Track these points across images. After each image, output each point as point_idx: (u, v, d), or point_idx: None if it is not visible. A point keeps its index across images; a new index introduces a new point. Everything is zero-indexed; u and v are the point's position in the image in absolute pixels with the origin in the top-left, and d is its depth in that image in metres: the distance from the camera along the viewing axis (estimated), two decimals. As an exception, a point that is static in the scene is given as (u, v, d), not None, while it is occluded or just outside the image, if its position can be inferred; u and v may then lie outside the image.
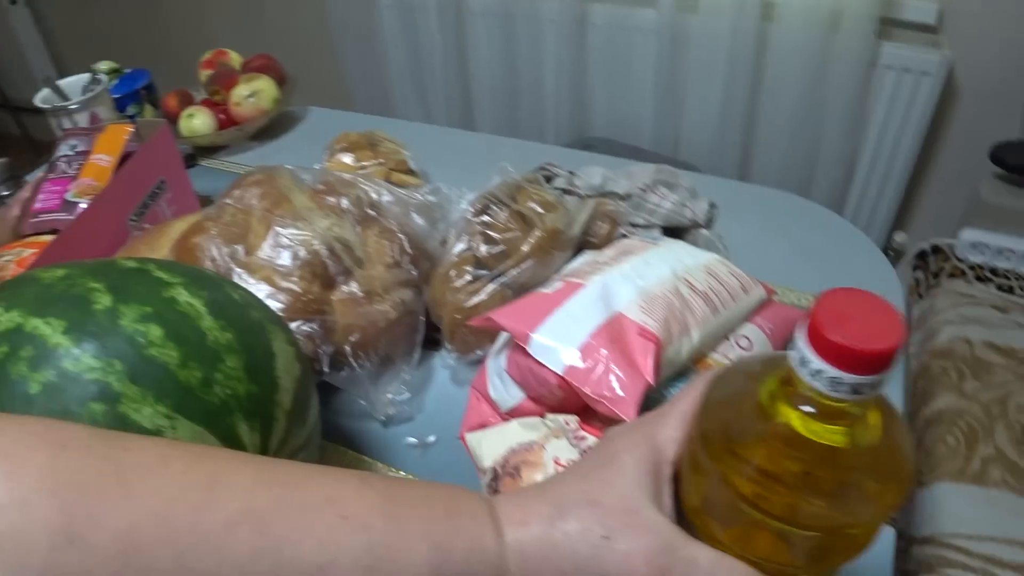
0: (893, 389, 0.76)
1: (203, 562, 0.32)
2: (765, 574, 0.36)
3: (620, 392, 0.60)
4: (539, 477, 0.62)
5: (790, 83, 1.43)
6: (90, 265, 0.55)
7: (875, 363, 0.30)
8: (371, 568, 0.34)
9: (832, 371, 0.31)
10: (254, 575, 0.32)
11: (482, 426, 0.71)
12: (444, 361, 0.77)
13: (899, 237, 1.93)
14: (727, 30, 1.43)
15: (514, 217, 0.80)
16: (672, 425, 0.39)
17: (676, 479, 0.40)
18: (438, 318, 0.78)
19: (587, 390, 0.61)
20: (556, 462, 0.62)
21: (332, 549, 0.33)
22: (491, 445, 0.66)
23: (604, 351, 0.62)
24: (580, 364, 0.62)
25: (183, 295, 0.53)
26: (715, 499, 0.37)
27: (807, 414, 0.33)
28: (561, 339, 0.63)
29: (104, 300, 0.50)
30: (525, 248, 0.76)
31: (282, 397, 0.54)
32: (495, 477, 0.64)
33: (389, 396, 0.72)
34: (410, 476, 0.70)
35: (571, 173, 0.98)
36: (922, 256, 1.64)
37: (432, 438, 0.72)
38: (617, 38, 1.56)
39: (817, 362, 0.31)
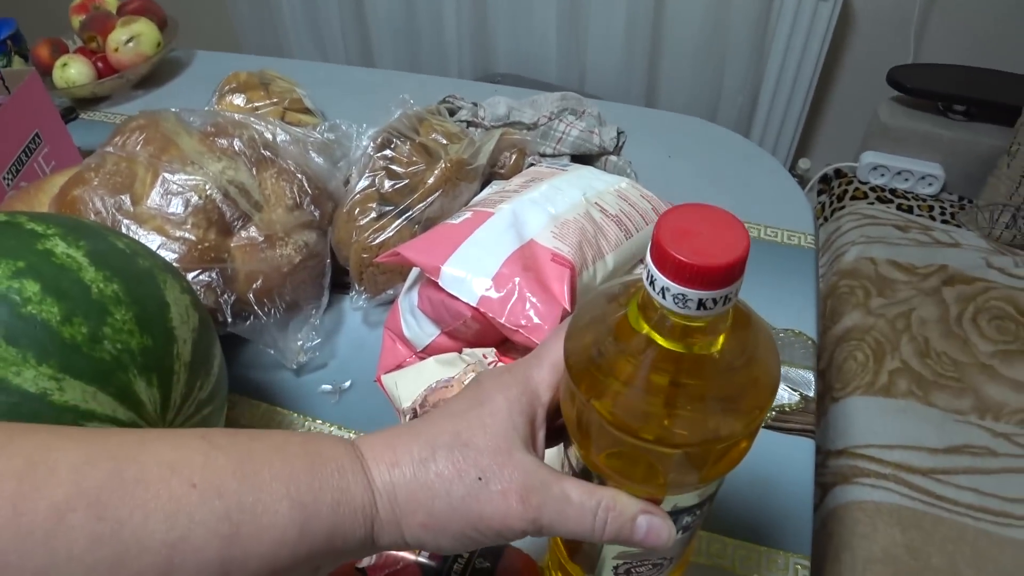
0: (805, 309, 0.77)
1: (31, 560, 0.28)
2: (642, 497, 0.37)
3: (536, 320, 0.59)
4: (459, 412, 0.61)
5: (693, 8, 1.42)
6: None
7: (718, 278, 0.29)
8: (230, 537, 0.31)
9: (676, 288, 0.30)
10: (95, 564, 0.28)
11: (399, 367, 0.69)
12: (354, 304, 0.74)
13: (803, 164, 1.98)
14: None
15: (417, 150, 0.77)
16: (546, 368, 0.38)
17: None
18: (345, 259, 0.75)
19: (502, 320, 0.59)
20: (475, 396, 0.61)
21: (183, 522, 0.30)
22: (408, 385, 0.64)
23: (517, 279, 0.60)
24: (493, 294, 0.60)
25: (60, 246, 0.49)
26: (588, 425, 0.36)
27: (661, 332, 0.32)
28: (472, 269, 0.61)
29: None
30: (431, 180, 0.73)
31: (180, 348, 0.51)
32: (414, 416, 0.62)
33: (299, 343, 0.69)
34: (327, 425, 0.68)
35: (475, 105, 0.95)
36: (826, 180, 1.69)
37: (347, 384, 0.70)
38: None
39: (662, 280, 0.30)
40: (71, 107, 1.14)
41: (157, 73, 1.20)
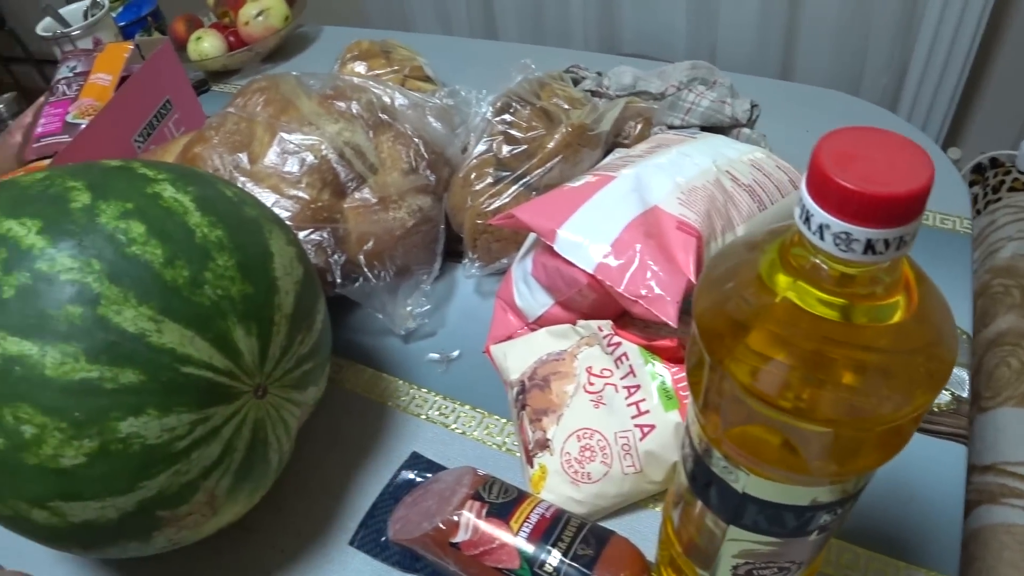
0: (959, 300, 0.69)
1: None
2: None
3: (658, 290, 0.54)
4: (570, 388, 0.57)
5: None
6: (72, 166, 0.50)
7: (894, 212, 0.24)
8: None
9: (839, 225, 0.24)
10: None
11: (509, 338, 0.66)
12: (467, 272, 0.71)
13: (953, 154, 1.82)
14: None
15: (537, 115, 0.73)
16: None
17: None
18: (459, 226, 0.72)
19: (620, 289, 0.55)
20: (589, 371, 0.57)
21: None
22: (518, 357, 0.61)
23: (639, 246, 0.56)
24: (612, 261, 0.56)
25: (168, 190, 0.48)
26: (718, 396, 0.31)
27: (814, 283, 0.27)
28: (590, 234, 0.57)
29: (82, 198, 0.46)
30: (551, 145, 0.70)
31: (282, 300, 0.49)
32: (522, 390, 0.59)
33: (408, 309, 0.67)
34: (432, 394, 0.65)
35: (599, 74, 0.91)
36: (979, 170, 1.54)
37: (456, 353, 0.67)
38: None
39: (821, 215, 0.25)
40: (203, 79, 1.17)
41: (285, 47, 1.22)
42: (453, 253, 0.74)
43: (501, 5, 1.62)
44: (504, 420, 0.62)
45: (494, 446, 0.61)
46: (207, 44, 1.12)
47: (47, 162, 0.83)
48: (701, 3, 1.45)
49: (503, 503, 0.50)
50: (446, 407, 0.64)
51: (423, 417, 0.63)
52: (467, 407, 0.63)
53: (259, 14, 1.12)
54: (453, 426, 0.62)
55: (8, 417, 0.41)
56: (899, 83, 1.47)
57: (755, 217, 0.63)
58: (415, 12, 1.71)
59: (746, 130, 0.84)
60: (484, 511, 0.50)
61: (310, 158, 0.68)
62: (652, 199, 0.60)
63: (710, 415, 0.33)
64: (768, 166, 0.68)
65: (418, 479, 0.58)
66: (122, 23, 1.17)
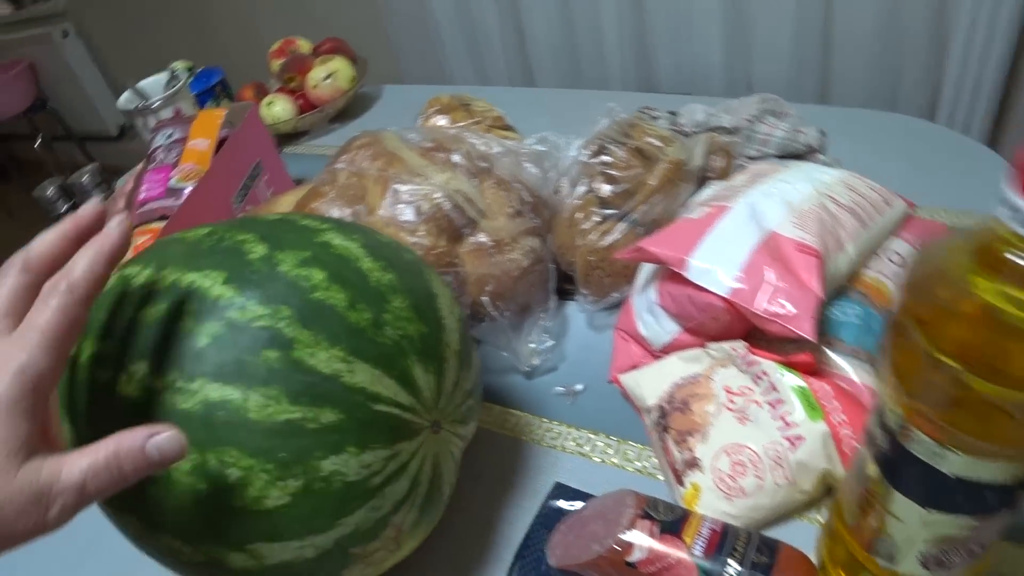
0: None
1: None
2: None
3: (792, 308, 0.57)
4: (711, 408, 0.59)
5: (867, 8, 1.36)
6: (231, 222, 0.53)
7: None
8: None
9: None
10: None
11: (633, 367, 0.68)
12: (578, 308, 0.74)
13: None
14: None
15: (633, 154, 0.77)
16: (44, 355, 0.37)
17: None
18: (568, 264, 0.75)
19: (756, 309, 0.58)
20: (727, 391, 0.59)
21: None
22: (651, 383, 0.63)
23: (768, 269, 0.59)
24: (744, 285, 0.59)
25: (336, 239, 0.51)
26: (929, 378, 0.34)
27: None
28: (719, 261, 0.60)
29: (258, 249, 0.48)
30: (652, 182, 0.73)
31: (450, 337, 0.52)
32: (663, 414, 0.61)
33: (532, 346, 0.69)
34: (564, 426, 0.67)
35: (672, 113, 0.94)
36: None
37: (580, 386, 0.69)
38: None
39: None
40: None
41: (349, 108, 1.26)
42: (560, 291, 0.77)
43: (537, 53, 1.67)
44: (640, 445, 0.64)
45: (634, 471, 0.63)
46: (279, 108, 1.17)
47: (156, 225, 0.86)
48: (735, 34, 1.50)
49: (672, 520, 0.52)
50: (580, 437, 0.66)
51: (560, 448, 0.65)
52: (601, 435, 0.65)
53: (327, 77, 1.17)
54: (592, 455, 0.64)
55: (213, 461, 0.42)
56: (935, 93, 1.50)
57: (861, 235, 0.66)
58: (453, 67, 1.77)
59: (821, 155, 0.88)
60: (656, 529, 0.51)
61: (425, 206, 0.71)
62: (768, 224, 0.63)
63: (920, 399, 0.35)
64: (861, 187, 0.71)
65: (568, 507, 0.60)
66: (194, 92, 1.22)
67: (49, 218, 1.17)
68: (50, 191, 1.16)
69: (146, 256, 0.51)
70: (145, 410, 0.43)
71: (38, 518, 0.36)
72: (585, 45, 1.64)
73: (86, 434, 0.44)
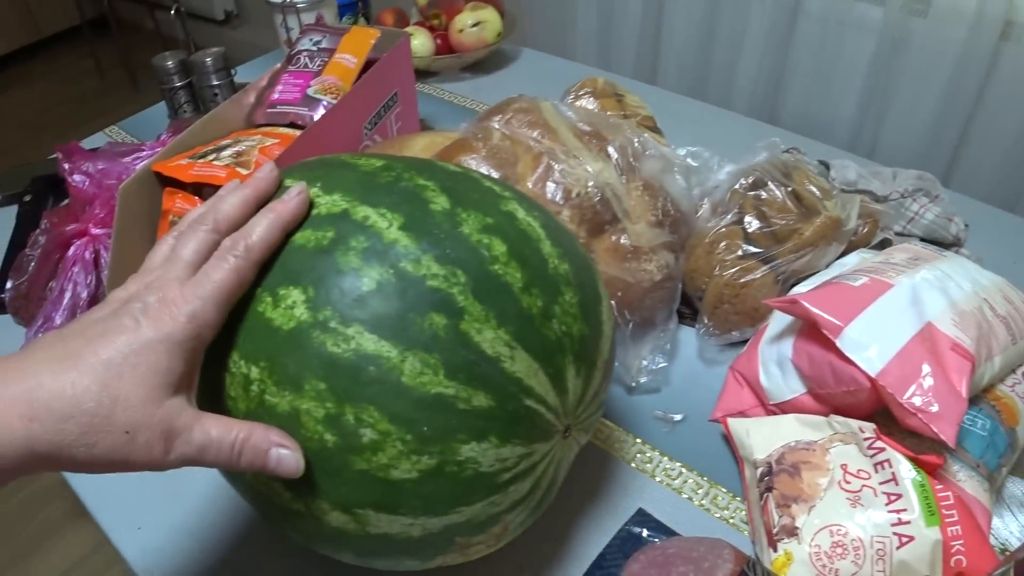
0: None
1: None
2: None
3: (936, 408, 0.55)
4: (823, 481, 0.57)
5: (1019, 108, 1.32)
6: (410, 160, 0.51)
7: None
8: None
9: None
10: None
11: (741, 413, 0.66)
12: (691, 335, 0.72)
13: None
14: (958, 40, 1.33)
15: (790, 197, 0.74)
16: (213, 309, 0.40)
17: None
18: (697, 289, 0.73)
19: (901, 399, 0.55)
20: (844, 469, 0.57)
21: None
22: (762, 436, 0.61)
23: (924, 364, 0.56)
24: (895, 370, 0.56)
25: (520, 212, 0.48)
26: None
27: None
28: (875, 339, 0.58)
29: (441, 201, 0.45)
30: (807, 233, 0.70)
31: (603, 345, 0.49)
32: (769, 472, 0.59)
33: (644, 363, 0.67)
34: (656, 452, 0.66)
35: (821, 164, 0.91)
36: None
37: (679, 416, 0.67)
38: (830, 32, 1.47)
39: None
40: (401, 74, 1.19)
41: (485, 61, 1.24)
42: (678, 314, 0.75)
43: (668, 53, 1.64)
44: (729, 493, 0.63)
45: (720, 518, 0.61)
46: (418, 42, 1.14)
47: (284, 131, 0.84)
48: (876, 95, 1.46)
49: (768, 588, 0.50)
50: (673, 469, 0.64)
51: (650, 475, 0.64)
52: (694, 473, 0.64)
53: (475, 24, 1.14)
54: (682, 491, 0.63)
55: (349, 416, 0.40)
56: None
57: (1009, 349, 0.63)
58: (578, 44, 1.73)
59: (964, 251, 0.85)
60: (752, 592, 0.50)
61: (575, 190, 0.69)
62: (927, 315, 0.60)
63: None
64: (1015, 298, 0.68)
65: (648, 537, 0.59)
66: (337, 2, 1.20)
67: (160, 88, 1.16)
68: (170, 63, 1.15)
69: (309, 172, 0.49)
70: (287, 340, 0.41)
71: (158, 455, 0.38)
72: (719, 60, 1.60)
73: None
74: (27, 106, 3.21)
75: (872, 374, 0.57)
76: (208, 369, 0.42)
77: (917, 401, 0.55)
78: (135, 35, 3.54)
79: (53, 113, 3.15)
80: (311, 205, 0.45)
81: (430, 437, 0.40)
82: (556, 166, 0.70)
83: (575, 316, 0.46)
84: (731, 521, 0.61)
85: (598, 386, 0.50)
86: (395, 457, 0.40)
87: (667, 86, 1.66)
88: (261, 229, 0.43)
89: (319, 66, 0.90)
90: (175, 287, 0.40)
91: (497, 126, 0.75)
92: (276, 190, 0.47)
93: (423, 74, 1.20)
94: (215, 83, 1.14)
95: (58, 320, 0.79)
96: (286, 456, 0.40)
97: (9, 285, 0.84)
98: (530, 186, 0.70)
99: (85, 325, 0.39)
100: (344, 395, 0.40)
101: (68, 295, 0.80)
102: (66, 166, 0.87)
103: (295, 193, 0.45)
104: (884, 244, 0.80)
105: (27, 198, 1.02)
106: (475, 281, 0.42)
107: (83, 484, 0.66)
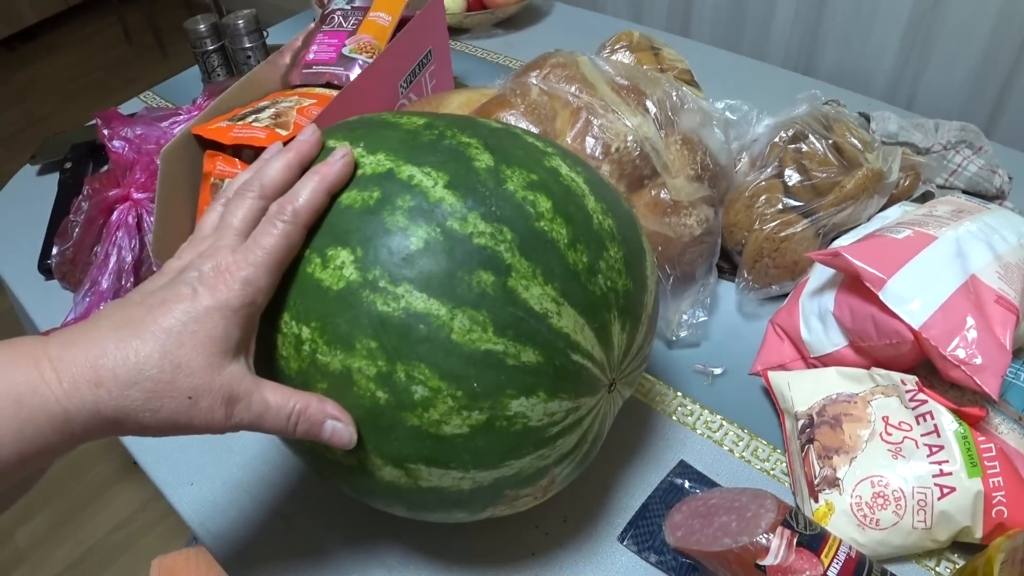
0: None
1: None
2: None
3: (980, 360, 0.55)
4: (864, 433, 0.58)
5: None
6: (451, 117, 0.51)
7: None
8: None
9: None
10: None
11: (781, 366, 0.67)
12: (731, 289, 0.72)
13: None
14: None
15: (831, 150, 0.73)
16: (266, 276, 0.41)
17: None
18: (736, 243, 0.73)
19: (945, 351, 0.55)
20: (885, 421, 0.58)
21: None
22: (804, 390, 0.62)
23: (968, 315, 0.56)
24: (939, 323, 0.56)
25: (563, 167, 0.48)
26: None
27: None
28: (919, 292, 0.57)
29: (484, 158, 0.45)
30: (849, 187, 0.70)
31: (648, 299, 0.50)
32: (810, 424, 0.59)
33: (684, 317, 0.68)
34: (696, 405, 0.66)
35: (863, 116, 0.90)
36: None
37: (720, 370, 0.68)
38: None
39: None
40: (431, 31, 1.18)
41: (517, 17, 1.23)
42: (717, 268, 0.75)
43: (701, 4, 1.60)
44: (769, 445, 0.63)
45: (760, 470, 0.62)
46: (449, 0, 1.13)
47: (320, 91, 0.85)
48: (916, 46, 1.42)
49: (812, 535, 0.51)
50: (714, 422, 0.65)
51: (691, 427, 0.64)
52: (735, 426, 0.64)
53: (507, -21, 1.13)
54: (723, 443, 0.63)
55: (401, 374, 0.40)
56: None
57: (1052, 303, 0.63)
58: (608, -1, 1.70)
59: (1009, 203, 0.83)
60: (795, 540, 0.51)
61: (615, 145, 0.69)
62: (971, 267, 0.60)
63: None
64: (1061, 252, 0.67)
65: (690, 488, 0.60)
66: (367, -40, 1.19)
67: (192, 51, 1.16)
68: (202, 27, 1.15)
69: (352, 132, 0.49)
70: (338, 300, 0.42)
71: (219, 419, 0.39)
72: (755, 11, 1.56)
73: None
74: (57, 75, 3.24)
75: (916, 327, 0.56)
76: (261, 329, 0.43)
77: (961, 354, 0.55)
78: (161, 0, 3.54)
79: (83, 81, 3.17)
80: (356, 166, 0.46)
81: (480, 393, 0.41)
82: (595, 121, 0.70)
83: (620, 271, 0.46)
84: (772, 473, 0.61)
85: (642, 341, 0.50)
86: (446, 413, 0.41)
87: (700, 38, 1.63)
88: (307, 192, 0.43)
89: (353, 25, 0.90)
90: (227, 254, 0.41)
91: (535, 81, 0.75)
92: (319, 152, 0.48)
93: (455, 31, 1.19)
94: (248, 45, 1.14)
95: (105, 284, 0.81)
96: (340, 429, 0.42)
97: (55, 251, 0.86)
98: (569, 141, 0.70)
99: (144, 295, 0.40)
100: (395, 353, 0.40)
101: (113, 259, 0.82)
102: (105, 132, 0.88)
103: (340, 156, 0.45)
104: (926, 197, 0.79)
105: (67, 165, 1.03)
106: (521, 238, 0.43)
107: (136, 443, 0.68)
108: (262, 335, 0.44)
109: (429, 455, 0.42)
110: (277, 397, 0.41)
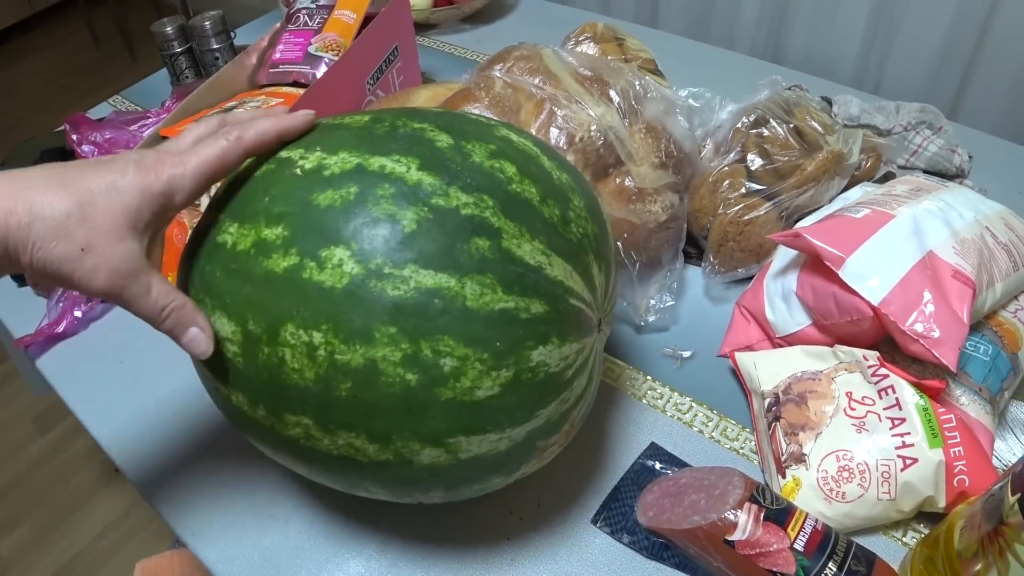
0: None
1: None
2: None
3: (938, 334, 0.56)
4: (828, 408, 0.59)
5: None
6: (395, 110, 0.52)
7: None
8: None
9: None
10: None
11: (748, 347, 0.68)
12: (704, 275, 0.73)
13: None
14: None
15: (792, 134, 0.74)
16: (192, 178, 0.44)
17: None
18: (701, 229, 0.74)
19: (903, 326, 0.57)
20: (849, 396, 0.59)
21: None
22: (769, 369, 0.63)
23: (925, 291, 0.57)
24: (897, 299, 0.58)
25: (512, 135, 0.51)
26: None
27: None
28: (877, 269, 0.59)
29: (443, 138, 0.47)
30: (810, 168, 0.71)
31: (610, 241, 0.53)
32: (776, 402, 0.61)
33: (652, 302, 0.69)
34: (666, 388, 0.67)
35: (825, 100, 0.91)
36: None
37: (688, 353, 0.69)
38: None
39: None
40: (399, 27, 1.19)
41: (484, 10, 1.23)
42: (684, 253, 0.76)
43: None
44: (739, 425, 0.64)
45: (730, 449, 0.63)
46: (416, -5, 1.14)
47: (287, 90, 0.85)
48: (880, 28, 1.44)
49: (778, 510, 0.52)
50: (683, 404, 0.66)
51: (660, 410, 0.66)
52: (704, 407, 0.65)
53: (472, -26, 1.13)
54: (692, 424, 0.64)
55: (427, 351, 0.41)
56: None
57: (1011, 276, 0.64)
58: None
59: (968, 182, 0.85)
60: (762, 515, 0.52)
61: (578, 135, 0.70)
62: (928, 244, 0.61)
63: None
64: (1018, 226, 0.69)
65: (661, 470, 0.61)
66: (331, -42, 1.19)
67: (160, 54, 1.16)
68: (169, 29, 1.14)
69: (306, 141, 0.49)
70: (345, 297, 0.42)
71: (99, 282, 0.42)
72: (723, 1, 1.58)
73: (253, 329, 0.44)
74: (26, 81, 3.20)
75: (875, 303, 0.58)
76: (262, 352, 0.43)
77: (919, 328, 0.56)
78: (128, 3, 3.50)
79: (53, 87, 3.14)
80: (322, 167, 0.46)
81: (503, 351, 0.43)
82: (559, 112, 0.71)
83: (586, 218, 0.49)
84: (741, 452, 0.63)
85: (615, 279, 0.53)
86: (477, 377, 0.42)
87: (669, 28, 1.65)
88: (260, 124, 0.47)
89: (319, 24, 0.90)
90: (169, 155, 0.45)
91: (499, 75, 0.75)
92: (298, 134, 0.50)
93: (423, 27, 1.20)
94: (215, 47, 1.13)
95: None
96: (200, 337, 0.45)
97: (27, 255, 0.85)
98: (533, 132, 0.70)
99: (88, 162, 0.44)
100: (417, 332, 0.41)
101: (86, 262, 0.82)
102: (74, 137, 0.88)
103: (303, 114, 0.49)
104: (887, 178, 0.80)
105: (38, 170, 1.03)
106: (501, 203, 0.45)
107: (118, 449, 0.68)
108: (266, 359, 0.44)
109: (467, 424, 0.43)
110: (161, 288, 0.44)
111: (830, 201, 0.74)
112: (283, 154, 0.48)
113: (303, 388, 0.43)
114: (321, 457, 0.46)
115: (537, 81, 0.74)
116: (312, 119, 0.50)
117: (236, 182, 0.49)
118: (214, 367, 0.47)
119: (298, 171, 0.46)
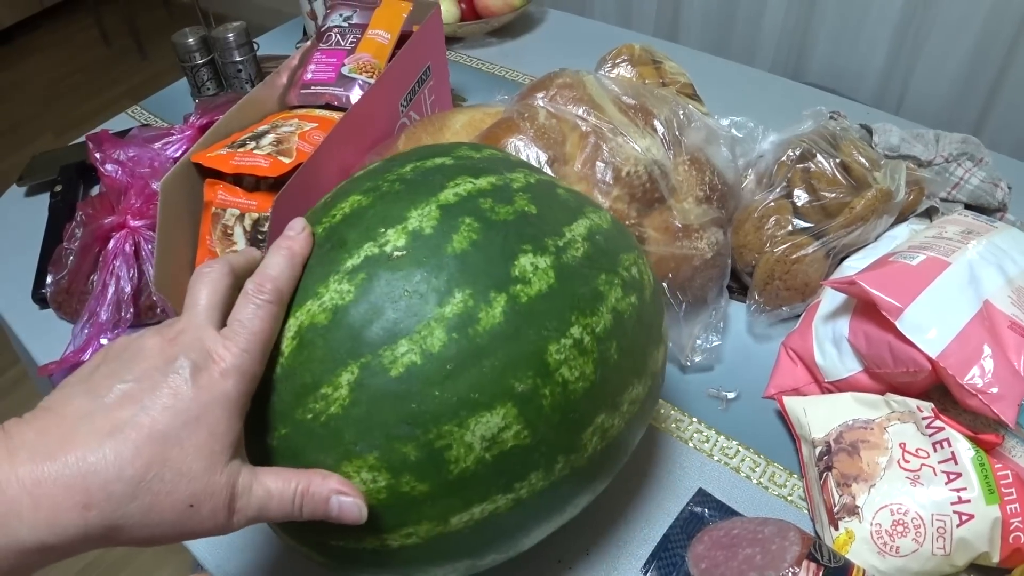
0: None
1: None
2: None
3: (997, 390, 0.55)
4: (882, 460, 0.58)
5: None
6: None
7: None
8: None
9: None
10: None
11: (795, 390, 0.67)
12: (740, 310, 0.72)
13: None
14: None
15: (839, 169, 0.73)
16: (259, 359, 0.39)
17: None
18: (746, 264, 0.73)
19: (962, 380, 0.56)
20: (903, 447, 0.58)
21: None
22: (819, 415, 0.62)
23: (984, 344, 0.56)
24: (957, 352, 0.57)
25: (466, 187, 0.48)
26: None
27: None
28: (935, 321, 0.58)
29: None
30: (859, 208, 0.70)
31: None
32: (828, 451, 0.59)
33: (698, 342, 0.68)
34: (711, 430, 0.66)
35: (864, 128, 0.90)
36: None
37: (733, 394, 0.68)
38: (859, -21, 1.44)
39: None
40: (425, 41, 1.17)
41: (512, 24, 1.22)
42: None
43: (689, 9, 1.60)
44: (786, 470, 0.63)
45: (778, 495, 0.62)
46: (443, 9, 1.12)
47: (321, 113, 0.83)
48: (905, 47, 1.43)
49: (835, 568, 0.51)
50: (730, 448, 0.65)
51: (707, 454, 0.64)
52: (751, 451, 0.64)
53: (501, -12, 1.12)
54: (740, 469, 0.63)
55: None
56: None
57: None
58: (595, 2, 1.70)
59: (1010, 216, 0.84)
60: (820, 573, 0.51)
61: (624, 170, 0.68)
62: (984, 293, 0.60)
63: None
64: (1069, 270, 0.68)
65: (709, 518, 0.60)
66: (358, -29, 1.17)
67: (181, 65, 1.14)
68: (191, 40, 1.13)
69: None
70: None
71: (222, 521, 0.37)
72: (744, 15, 1.57)
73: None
74: (36, 79, 3.18)
75: (933, 356, 0.57)
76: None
77: (978, 383, 0.56)
78: (138, 0, 3.48)
79: (62, 84, 3.12)
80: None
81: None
82: (604, 145, 0.69)
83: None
84: (789, 498, 0.62)
85: None
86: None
87: (688, 42, 1.63)
88: (286, 270, 0.42)
89: (351, 43, 0.89)
90: (213, 339, 0.38)
91: (542, 103, 0.74)
92: (311, 249, 0.45)
93: (449, 41, 1.18)
94: (238, 59, 1.12)
95: (104, 315, 0.79)
96: (347, 503, 0.39)
97: (49, 280, 0.84)
98: (579, 167, 0.69)
99: (126, 384, 0.36)
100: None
101: (112, 289, 0.81)
102: (97, 155, 0.86)
103: (300, 227, 0.45)
104: (930, 211, 0.79)
105: (57, 188, 1.01)
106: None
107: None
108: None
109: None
110: (278, 482, 0.38)
111: (876, 239, 0.73)
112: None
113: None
114: (367, 557, 0.45)
115: (581, 111, 0.72)
116: (310, 229, 0.45)
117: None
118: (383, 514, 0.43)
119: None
